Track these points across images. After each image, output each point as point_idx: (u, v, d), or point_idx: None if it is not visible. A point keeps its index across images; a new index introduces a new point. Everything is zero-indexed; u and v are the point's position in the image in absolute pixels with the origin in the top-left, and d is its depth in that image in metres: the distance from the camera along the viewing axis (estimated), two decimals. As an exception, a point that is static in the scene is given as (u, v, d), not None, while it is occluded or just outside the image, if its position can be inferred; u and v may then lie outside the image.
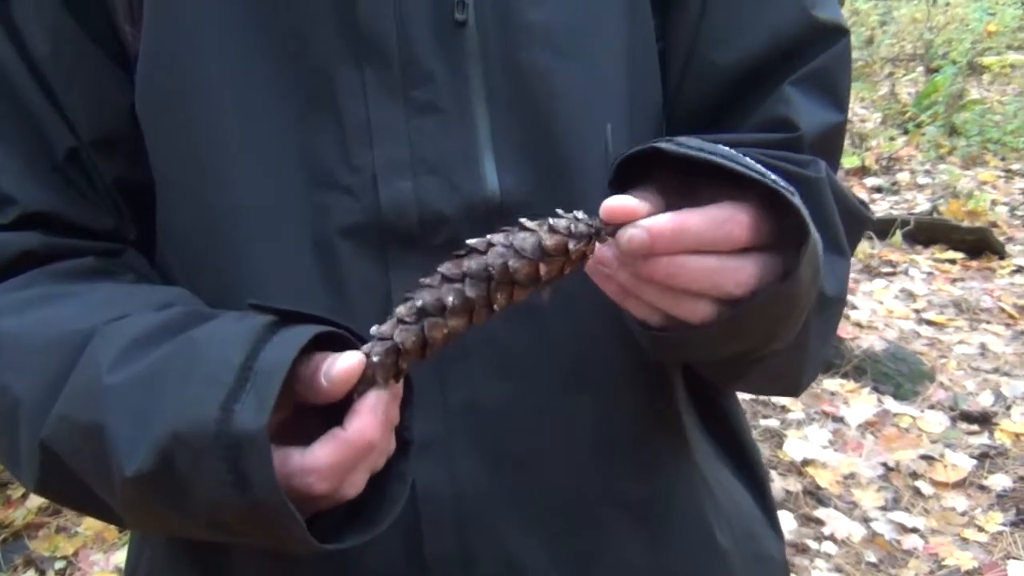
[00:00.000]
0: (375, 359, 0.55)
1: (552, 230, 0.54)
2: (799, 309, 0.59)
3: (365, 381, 0.55)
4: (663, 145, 0.56)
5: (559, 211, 0.55)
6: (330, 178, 0.65)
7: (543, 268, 0.54)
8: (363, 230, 0.65)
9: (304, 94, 0.65)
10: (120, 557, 2.50)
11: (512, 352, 0.67)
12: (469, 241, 0.55)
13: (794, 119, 0.69)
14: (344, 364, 0.54)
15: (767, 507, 0.83)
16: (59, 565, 2.50)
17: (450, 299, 0.54)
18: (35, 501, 2.71)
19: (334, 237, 0.65)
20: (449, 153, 0.65)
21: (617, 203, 0.53)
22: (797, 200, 0.55)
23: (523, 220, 0.55)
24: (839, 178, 0.73)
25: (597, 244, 0.55)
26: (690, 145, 0.56)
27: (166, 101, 0.67)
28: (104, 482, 0.58)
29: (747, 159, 0.56)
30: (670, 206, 0.56)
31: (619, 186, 0.59)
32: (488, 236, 0.55)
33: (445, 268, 0.55)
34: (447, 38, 0.65)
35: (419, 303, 0.55)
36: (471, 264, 0.54)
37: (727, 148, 0.58)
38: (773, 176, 0.55)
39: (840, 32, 0.72)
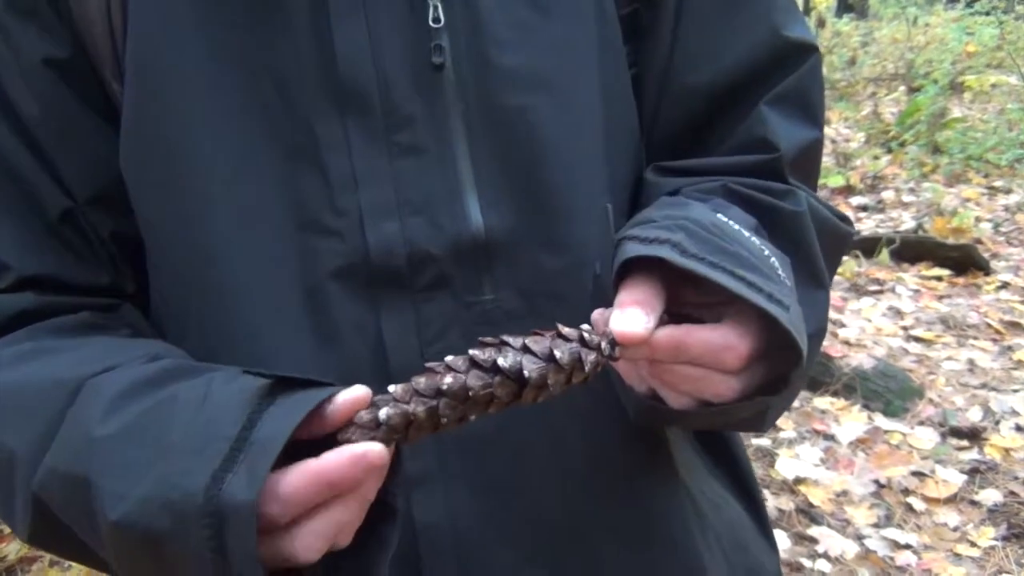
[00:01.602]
0: (383, 412, 0.54)
1: (564, 339, 0.56)
2: (782, 400, 0.64)
3: (362, 429, 0.54)
4: (667, 255, 0.58)
5: (565, 329, 0.57)
6: (317, 223, 0.66)
7: (552, 376, 0.56)
8: (352, 272, 0.66)
9: (287, 145, 0.66)
10: (114, 589, 2.49)
11: None
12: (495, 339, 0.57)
13: (772, 140, 0.71)
14: (351, 394, 0.54)
15: (760, 519, 0.84)
16: (53, 599, 2.49)
17: (473, 388, 0.55)
18: (28, 535, 2.70)
19: (324, 280, 0.66)
20: (433, 193, 0.66)
21: (627, 329, 0.57)
22: (792, 326, 0.58)
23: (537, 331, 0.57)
24: (822, 196, 0.76)
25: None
26: (695, 252, 0.58)
27: (148, 156, 0.68)
28: (92, 532, 0.58)
29: (753, 265, 0.59)
30: (670, 293, 0.60)
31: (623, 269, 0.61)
32: (510, 338, 0.56)
33: (475, 354, 0.55)
34: (425, 82, 0.66)
35: (444, 385, 0.54)
36: (501, 360, 0.55)
37: (736, 240, 0.61)
38: (772, 289, 0.58)
39: (810, 49, 0.75)
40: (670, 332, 0.58)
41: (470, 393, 0.54)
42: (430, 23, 0.66)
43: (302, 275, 0.66)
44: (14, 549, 2.64)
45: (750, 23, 0.73)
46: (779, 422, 3.20)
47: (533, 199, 0.66)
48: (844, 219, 0.76)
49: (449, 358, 0.55)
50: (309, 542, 0.54)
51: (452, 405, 0.54)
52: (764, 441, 3.11)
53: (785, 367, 0.60)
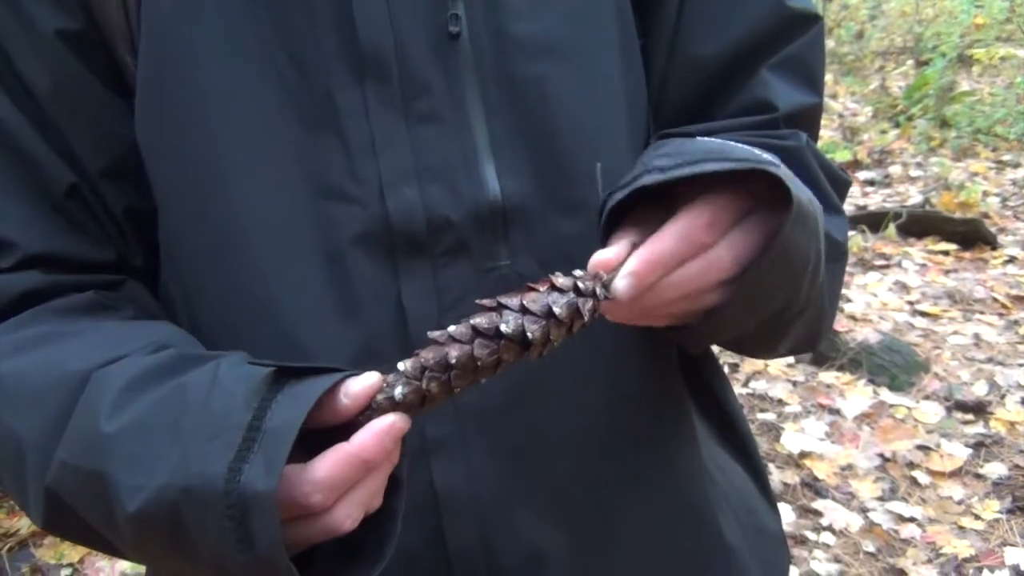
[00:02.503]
0: (397, 392, 0.56)
1: (560, 291, 0.57)
2: (804, 263, 0.62)
3: (379, 410, 0.56)
4: (646, 180, 0.59)
5: (558, 274, 0.58)
6: (337, 190, 0.67)
7: (554, 332, 0.57)
8: (372, 238, 0.66)
9: (306, 113, 0.66)
10: (125, 564, 2.52)
11: None
12: (494, 300, 0.58)
13: (772, 100, 0.73)
14: (364, 382, 0.56)
15: (761, 482, 0.86)
16: (65, 573, 2.51)
17: (480, 358, 0.56)
18: (39, 510, 2.73)
19: (344, 247, 0.66)
20: (450, 160, 0.67)
21: (599, 259, 0.59)
22: (774, 168, 0.58)
23: (531, 284, 0.58)
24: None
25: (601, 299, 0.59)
26: (665, 166, 0.59)
27: (166, 127, 0.68)
28: (108, 523, 0.59)
29: (721, 144, 0.60)
30: (660, 220, 0.60)
31: (612, 218, 0.63)
32: (502, 299, 0.57)
33: (478, 322, 0.56)
34: (442, 50, 0.67)
35: (453, 359, 0.55)
36: (504, 327, 0.56)
37: (704, 140, 0.62)
38: (742, 153, 0.59)
39: (813, 19, 0.76)
40: (640, 256, 0.58)
41: (478, 363, 0.55)
42: None
43: (323, 243, 0.66)
44: (26, 523, 2.67)
45: None
46: (784, 396, 3.22)
47: (549, 165, 0.67)
48: (842, 168, 0.78)
49: (452, 328, 0.56)
50: (349, 512, 0.56)
51: (462, 375, 0.56)
52: (769, 415, 3.12)
53: (781, 217, 0.59)
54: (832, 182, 0.74)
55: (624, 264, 0.58)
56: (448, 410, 0.68)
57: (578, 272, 0.58)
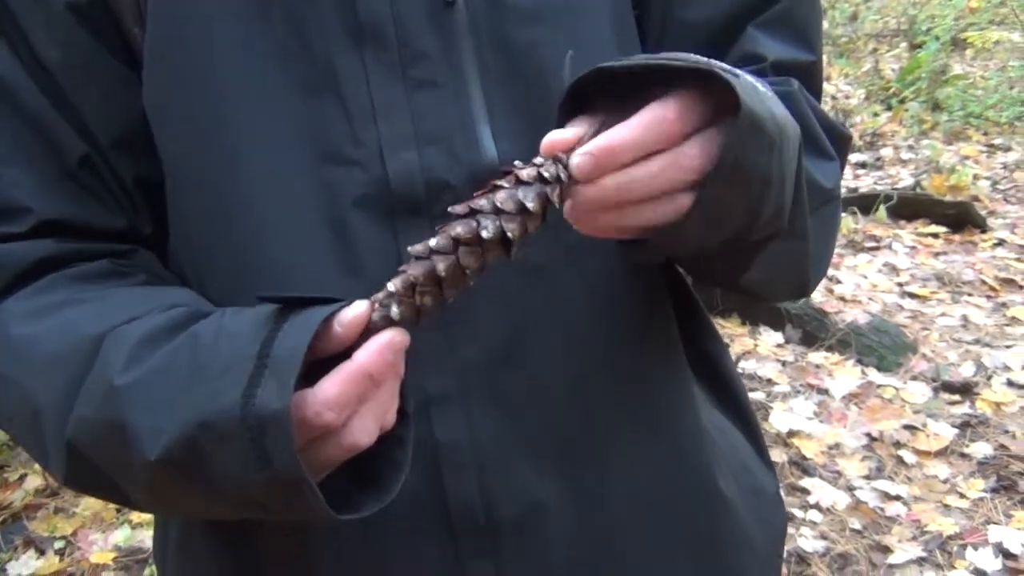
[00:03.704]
0: (393, 311, 0.57)
1: (524, 184, 0.57)
2: (764, 178, 0.60)
3: (377, 330, 0.57)
4: (606, 64, 0.58)
5: (519, 164, 0.58)
6: (338, 154, 0.68)
7: (530, 224, 0.57)
8: (373, 200, 0.68)
9: (308, 79, 0.68)
10: (119, 536, 2.54)
11: (518, 306, 0.71)
12: (453, 208, 0.58)
13: (761, 52, 0.74)
14: (354, 310, 0.58)
15: (758, 443, 0.88)
16: (58, 545, 2.53)
17: (468, 266, 0.57)
18: (33, 483, 2.74)
19: (346, 209, 0.68)
20: (448, 125, 0.69)
21: (554, 138, 0.58)
22: (732, 76, 0.56)
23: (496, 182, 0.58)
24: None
25: (566, 187, 0.58)
26: (629, 59, 0.59)
27: (173, 96, 0.70)
28: (126, 473, 0.61)
29: (685, 55, 0.59)
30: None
31: (570, 112, 0.62)
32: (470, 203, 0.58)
33: (458, 233, 0.57)
34: (438, 18, 0.68)
35: (442, 272, 0.57)
36: (484, 233, 0.56)
37: (673, 53, 0.60)
38: (696, 58, 0.58)
39: None
40: (604, 135, 0.57)
41: (467, 271, 0.57)
42: None
43: (326, 207, 0.68)
44: (19, 496, 2.68)
45: None
46: (773, 375, 3.24)
47: (544, 129, 0.68)
48: (842, 123, 0.79)
49: (432, 241, 0.57)
50: (363, 426, 0.58)
51: (452, 284, 0.57)
52: (759, 395, 3.15)
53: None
54: (827, 131, 0.74)
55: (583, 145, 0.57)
56: (448, 363, 0.70)
57: (538, 159, 0.58)
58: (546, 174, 0.57)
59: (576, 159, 0.56)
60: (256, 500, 0.58)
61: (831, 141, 0.76)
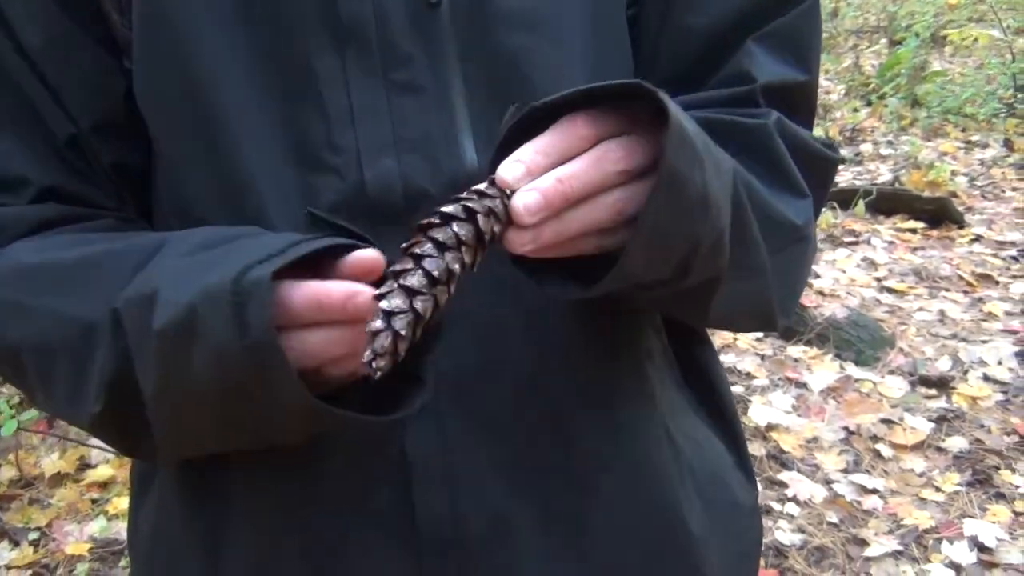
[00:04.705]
0: (400, 327, 0.54)
1: (474, 214, 0.56)
2: (700, 198, 0.59)
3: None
4: (541, 102, 0.58)
5: (458, 197, 0.56)
6: (317, 160, 0.67)
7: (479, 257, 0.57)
8: (350, 208, 0.66)
9: (288, 82, 0.67)
10: (94, 527, 2.52)
11: (489, 322, 0.70)
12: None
13: (752, 73, 0.72)
14: (363, 257, 0.57)
15: (741, 455, 0.86)
16: (33, 536, 2.51)
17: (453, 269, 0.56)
18: (7, 473, 2.72)
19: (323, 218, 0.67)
20: (430, 132, 0.67)
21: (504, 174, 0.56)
22: (658, 92, 0.56)
23: (440, 209, 0.56)
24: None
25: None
26: (556, 95, 0.58)
27: (164, 93, 0.69)
28: (145, 367, 0.61)
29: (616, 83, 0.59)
30: None
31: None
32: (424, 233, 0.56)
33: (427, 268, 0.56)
34: (422, 21, 0.67)
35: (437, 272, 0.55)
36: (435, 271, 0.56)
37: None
38: (625, 82, 0.58)
39: None
40: (517, 162, 0.56)
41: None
42: None
43: (302, 211, 0.67)
44: (-7, 488, 2.66)
45: None
46: (752, 369, 3.26)
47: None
48: (829, 146, 0.77)
49: (415, 251, 0.56)
50: (300, 347, 0.57)
51: (444, 291, 0.56)
52: (738, 388, 3.16)
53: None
54: (807, 163, 0.73)
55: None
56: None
57: (463, 195, 0.57)
58: (477, 207, 0.56)
59: (504, 169, 0.56)
60: (236, 380, 0.57)
61: (815, 170, 0.74)
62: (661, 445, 0.77)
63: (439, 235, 0.55)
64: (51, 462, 2.76)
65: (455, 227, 0.55)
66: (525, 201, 0.55)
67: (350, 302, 0.56)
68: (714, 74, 0.74)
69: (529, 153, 0.56)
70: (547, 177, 0.55)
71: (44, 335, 0.66)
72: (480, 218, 0.55)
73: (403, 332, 0.54)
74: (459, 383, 0.70)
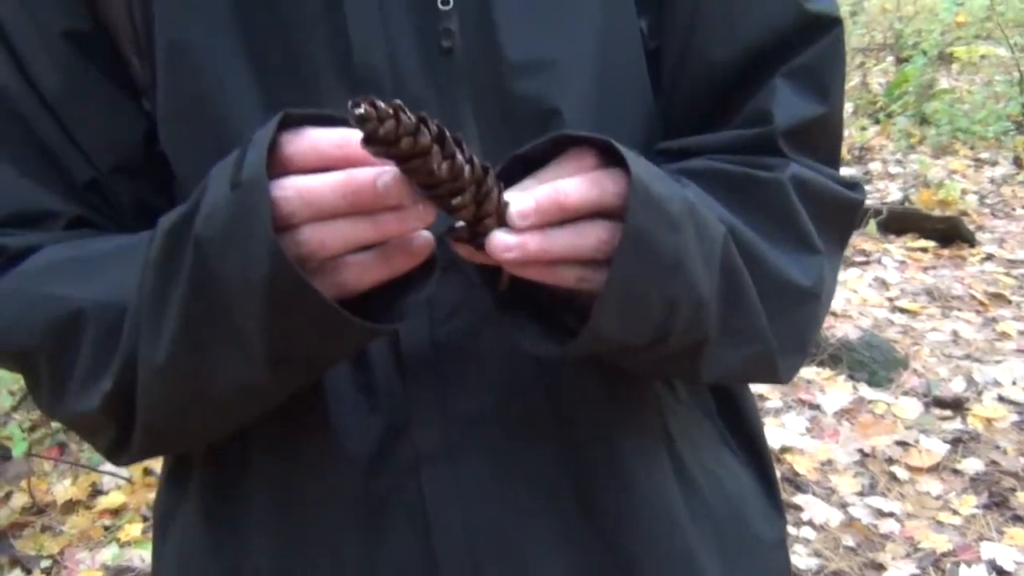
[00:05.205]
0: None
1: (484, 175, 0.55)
2: (677, 256, 0.59)
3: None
4: (518, 152, 0.59)
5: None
6: None
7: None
8: None
9: None
10: (106, 555, 2.51)
11: (506, 366, 0.69)
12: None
13: (771, 112, 0.71)
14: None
15: (769, 486, 0.85)
16: (45, 564, 2.51)
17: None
18: (19, 500, 2.71)
19: None
20: None
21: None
22: (619, 146, 0.57)
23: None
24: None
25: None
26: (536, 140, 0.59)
27: (187, 136, 0.69)
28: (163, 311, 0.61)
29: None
30: None
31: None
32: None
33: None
34: (435, 65, 0.67)
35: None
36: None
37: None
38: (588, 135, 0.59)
39: (831, 23, 0.74)
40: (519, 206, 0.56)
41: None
42: (439, 6, 0.66)
43: None
44: (5, 515, 2.65)
45: None
46: (765, 391, 3.24)
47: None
48: (852, 185, 0.76)
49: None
50: (318, 234, 0.55)
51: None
52: (751, 410, 3.14)
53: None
54: (829, 209, 0.73)
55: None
56: (438, 420, 0.69)
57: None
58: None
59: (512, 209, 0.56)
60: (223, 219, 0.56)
61: (837, 215, 0.74)
62: (676, 486, 0.76)
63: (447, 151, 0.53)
64: (63, 489, 2.76)
65: (462, 157, 0.53)
66: (519, 205, 0.55)
67: (344, 140, 0.55)
68: (735, 110, 0.73)
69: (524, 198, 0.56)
70: (545, 186, 0.56)
71: (67, 321, 0.66)
72: (486, 186, 0.54)
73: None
74: (476, 427, 0.69)
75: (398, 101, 0.50)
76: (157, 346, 0.62)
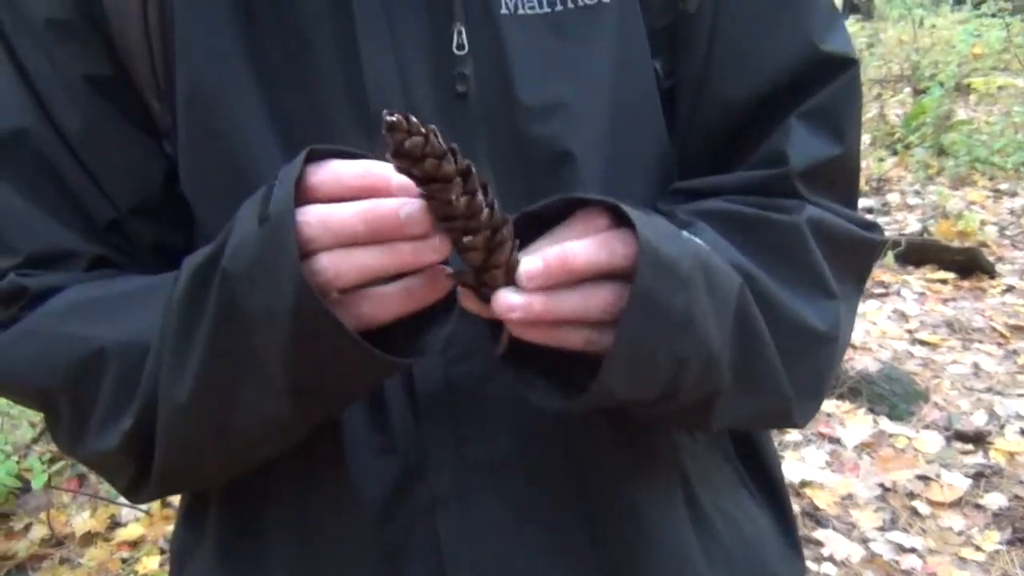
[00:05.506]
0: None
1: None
2: (687, 314, 0.59)
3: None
4: (528, 209, 0.59)
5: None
6: None
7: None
8: None
9: None
10: (124, 588, 2.51)
11: (523, 410, 0.69)
12: None
13: (786, 153, 0.71)
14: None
15: (788, 527, 0.85)
16: (63, 596, 2.51)
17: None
18: (38, 532, 2.72)
19: None
20: None
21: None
22: (627, 208, 0.57)
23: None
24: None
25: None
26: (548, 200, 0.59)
27: (208, 178, 0.71)
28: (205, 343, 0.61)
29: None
30: None
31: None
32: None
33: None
34: (450, 111, 0.68)
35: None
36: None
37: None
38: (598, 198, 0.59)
39: (847, 64, 0.74)
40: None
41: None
42: (454, 50, 0.67)
43: None
44: (24, 546, 2.66)
45: (788, 36, 0.73)
46: (785, 425, 3.22)
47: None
48: (869, 226, 0.76)
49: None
50: (334, 262, 0.56)
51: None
52: (770, 444, 3.12)
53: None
54: (847, 251, 0.73)
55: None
56: (454, 463, 0.69)
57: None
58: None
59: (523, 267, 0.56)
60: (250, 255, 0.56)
61: (855, 256, 0.74)
62: (692, 531, 0.76)
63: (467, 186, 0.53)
64: (82, 521, 2.76)
65: (481, 200, 0.53)
66: (527, 265, 0.55)
67: (367, 171, 0.56)
68: (750, 150, 0.74)
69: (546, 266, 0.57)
70: (554, 248, 0.56)
71: (89, 361, 0.67)
72: (501, 234, 0.54)
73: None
74: (490, 469, 0.70)
75: (433, 126, 0.51)
76: (180, 384, 0.62)
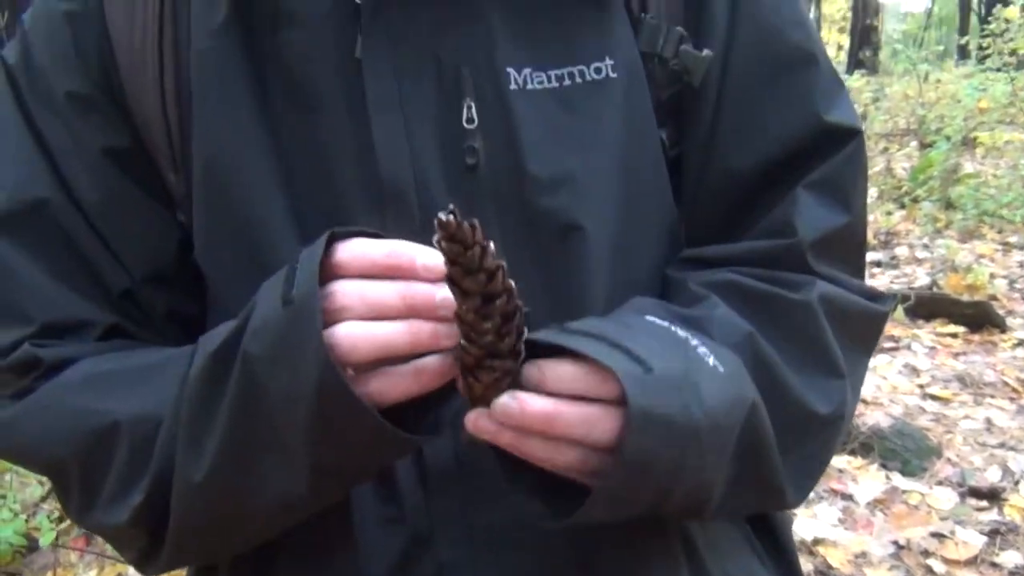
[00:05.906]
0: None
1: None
2: (673, 466, 0.59)
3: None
4: (533, 337, 0.59)
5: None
6: None
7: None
8: None
9: None
10: (131, 647, 2.49)
11: None
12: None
13: (794, 224, 0.72)
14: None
15: None
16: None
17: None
18: (45, 592, 2.70)
19: None
20: None
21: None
22: (629, 362, 0.57)
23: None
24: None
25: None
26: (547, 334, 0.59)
27: (222, 250, 0.72)
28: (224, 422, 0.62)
29: (627, 325, 0.61)
30: None
31: None
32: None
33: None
34: (459, 181, 0.69)
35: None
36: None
37: (629, 319, 0.62)
38: (625, 339, 0.58)
39: (851, 133, 0.75)
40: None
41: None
42: (464, 124, 0.69)
43: None
44: None
45: (792, 108, 0.74)
46: (796, 481, 3.19)
47: (563, 294, 0.68)
48: (877, 297, 0.77)
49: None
50: (355, 331, 0.57)
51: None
52: (781, 501, 3.09)
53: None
54: (856, 324, 0.73)
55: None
56: (461, 531, 0.69)
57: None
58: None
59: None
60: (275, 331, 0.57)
61: (864, 328, 0.75)
62: None
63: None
64: (89, 580, 2.74)
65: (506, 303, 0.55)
66: (507, 402, 0.56)
67: (393, 251, 0.58)
68: (757, 219, 0.75)
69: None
70: (540, 400, 0.56)
71: (102, 434, 0.67)
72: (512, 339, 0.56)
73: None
74: (497, 540, 0.70)
75: (491, 245, 0.53)
76: (198, 464, 0.63)
